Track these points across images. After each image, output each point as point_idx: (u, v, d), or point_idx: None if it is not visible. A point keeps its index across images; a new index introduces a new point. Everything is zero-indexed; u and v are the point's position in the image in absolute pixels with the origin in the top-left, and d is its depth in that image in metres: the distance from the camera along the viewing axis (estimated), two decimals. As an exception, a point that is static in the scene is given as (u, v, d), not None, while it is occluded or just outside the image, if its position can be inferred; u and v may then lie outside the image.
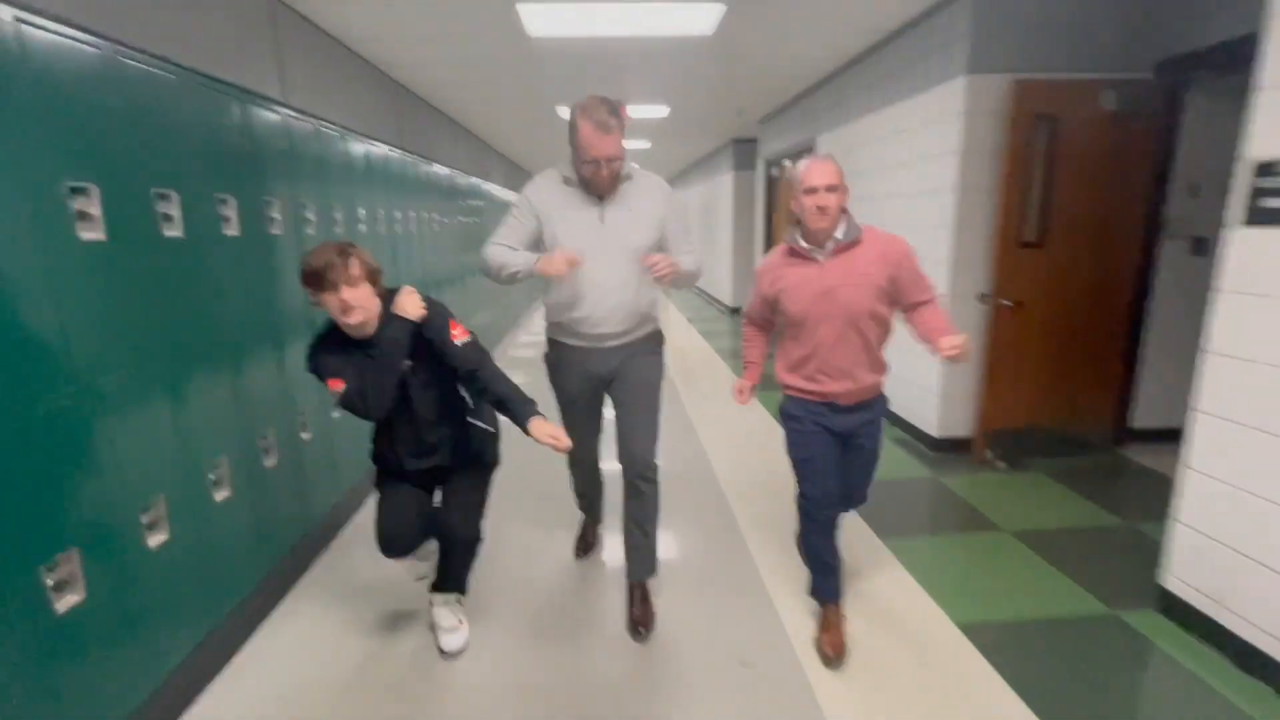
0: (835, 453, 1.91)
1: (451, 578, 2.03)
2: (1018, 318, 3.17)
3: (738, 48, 3.90)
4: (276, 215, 2.24)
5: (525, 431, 1.69)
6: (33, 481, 1.28)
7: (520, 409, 1.73)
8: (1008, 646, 1.95)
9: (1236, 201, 1.79)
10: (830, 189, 1.73)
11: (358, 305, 1.61)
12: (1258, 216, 1.74)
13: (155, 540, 1.60)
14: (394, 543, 1.85)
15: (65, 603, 1.33)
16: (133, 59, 1.59)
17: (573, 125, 1.82)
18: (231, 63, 2.42)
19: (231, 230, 1.98)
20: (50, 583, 1.30)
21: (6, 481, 1.22)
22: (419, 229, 4.01)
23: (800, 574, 2.16)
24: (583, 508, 2.50)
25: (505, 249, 1.93)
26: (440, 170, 4.79)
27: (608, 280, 1.93)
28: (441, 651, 1.97)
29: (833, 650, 1.89)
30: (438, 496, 1.95)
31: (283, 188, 2.29)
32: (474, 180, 6.12)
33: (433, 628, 2.03)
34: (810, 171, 1.76)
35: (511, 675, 1.89)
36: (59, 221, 1.39)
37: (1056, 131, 3.03)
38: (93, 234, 1.47)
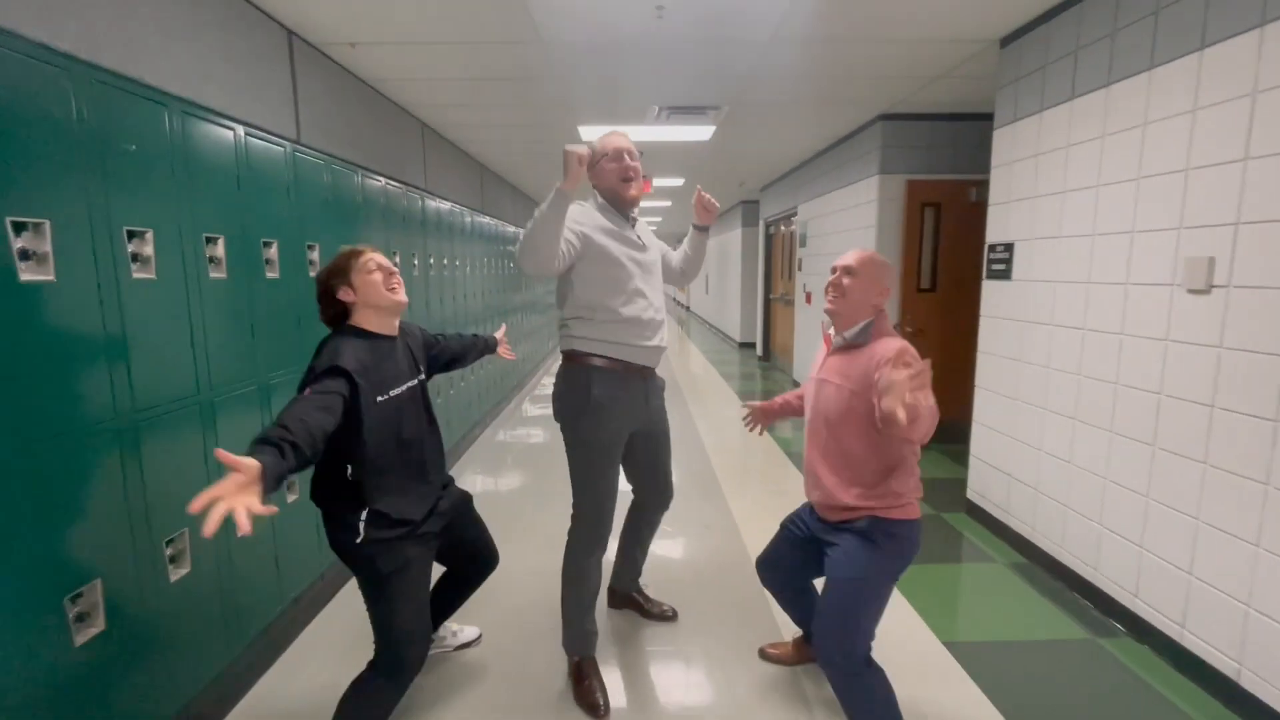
0: (797, 554, 1.85)
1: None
2: (918, 341, 4.50)
3: (728, 148, 5.45)
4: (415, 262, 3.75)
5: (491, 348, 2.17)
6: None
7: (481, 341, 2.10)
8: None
9: (984, 265, 3.17)
10: (846, 271, 1.67)
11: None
12: (990, 274, 3.11)
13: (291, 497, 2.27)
14: (423, 640, 1.66)
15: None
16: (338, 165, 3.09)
17: (594, 148, 1.92)
18: (404, 168, 3.97)
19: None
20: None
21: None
22: (492, 271, 5.56)
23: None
24: (587, 635, 2.00)
25: None
26: (509, 228, 6.38)
27: (654, 293, 1.97)
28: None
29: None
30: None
31: (408, 242, 3.79)
32: (520, 230, 7.74)
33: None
34: (843, 255, 1.72)
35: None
36: (257, 265, 2.07)
37: (940, 214, 4.43)
38: (273, 274, 2.13)
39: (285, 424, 1.25)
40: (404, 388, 1.66)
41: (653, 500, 2.20)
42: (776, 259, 8.36)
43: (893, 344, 1.58)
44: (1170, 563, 2.09)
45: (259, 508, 1.05)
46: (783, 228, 7.82)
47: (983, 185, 4.34)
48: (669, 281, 2.17)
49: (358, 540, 1.55)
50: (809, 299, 6.11)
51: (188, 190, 1.77)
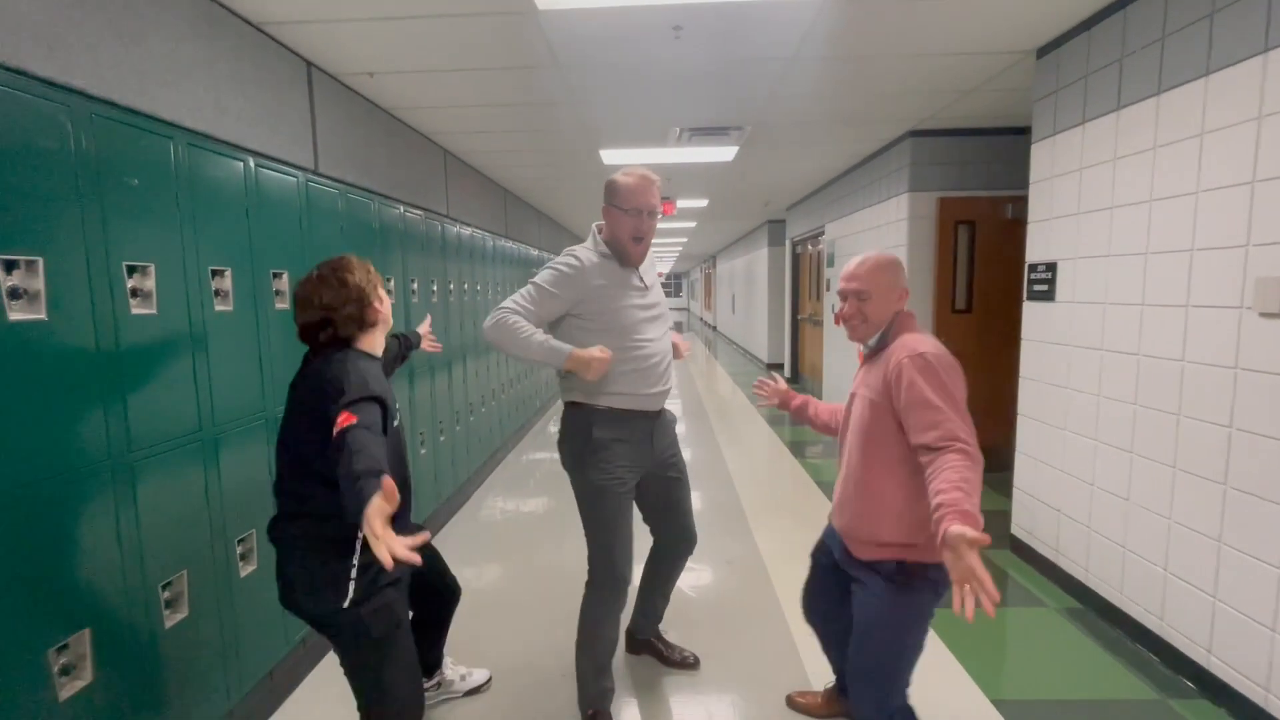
0: (829, 583, 1.70)
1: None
2: (954, 363, 4.29)
3: (750, 169, 5.35)
4: (434, 287, 3.72)
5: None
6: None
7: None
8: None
9: (1024, 285, 2.99)
10: (857, 296, 1.53)
11: None
12: (1031, 294, 2.93)
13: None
14: (418, 705, 1.49)
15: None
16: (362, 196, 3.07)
17: (612, 188, 1.82)
18: (424, 195, 3.97)
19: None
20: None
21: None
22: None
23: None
24: (603, 692, 1.90)
25: (526, 322, 1.73)
26: (532, 251, 6.37)
27: (662, 344, 1.90)
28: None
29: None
30: None
31: (430, 268, 3.77)
32: (544, 254, 7.76)
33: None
34: (846, 269, 1.57)
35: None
36: (266, 297, 1.99)
37: (975, 232, 4.25)
38: (283, 305, 2.05)
39: (381, 463, 1.13)
40: (397, 407, 1.52)
41: (672, 545, 2.08)
42: (804, 279, 8.19)
43: (909, 342, 1.44)
44: (1249, 617, 1.88)
45: (404, 553, 1.05)
46: (810, 247, 7.67)
47: (1019, 201, 4.16)
48: None
49: (346, 602, 1.31)
50: (838, 320, 5.93)
51: (192, 223, 1.74)
